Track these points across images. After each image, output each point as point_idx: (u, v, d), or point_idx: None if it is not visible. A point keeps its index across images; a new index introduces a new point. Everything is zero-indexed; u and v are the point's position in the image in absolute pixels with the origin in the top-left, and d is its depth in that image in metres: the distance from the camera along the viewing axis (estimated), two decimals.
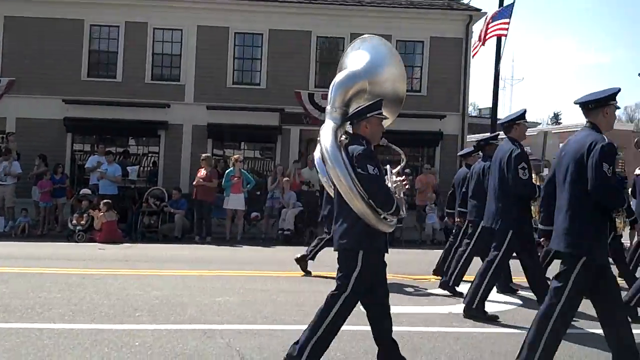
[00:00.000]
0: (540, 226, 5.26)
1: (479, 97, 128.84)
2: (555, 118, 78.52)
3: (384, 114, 4.74)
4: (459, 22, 20.83)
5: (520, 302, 7.87)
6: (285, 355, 4.50)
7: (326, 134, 4.63)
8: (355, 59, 5.06)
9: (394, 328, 4.79)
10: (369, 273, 4.51)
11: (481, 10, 20.71)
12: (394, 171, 4.83)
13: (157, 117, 20.16)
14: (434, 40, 20.83)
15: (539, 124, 68.59)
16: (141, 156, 21.07)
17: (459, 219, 8.88)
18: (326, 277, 9.37)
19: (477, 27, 19.68)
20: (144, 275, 9.20)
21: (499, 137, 9.00)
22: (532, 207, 5.82)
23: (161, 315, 6.56)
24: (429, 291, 8.47)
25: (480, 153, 8.73)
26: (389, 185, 4.62)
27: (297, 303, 7.37)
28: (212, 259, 11.55)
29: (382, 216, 4.42)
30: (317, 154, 8.91)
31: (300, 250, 10.13)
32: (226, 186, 15.04)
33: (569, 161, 4.63)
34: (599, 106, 4.70)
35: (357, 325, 5.20)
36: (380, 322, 4.71)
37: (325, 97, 19.89)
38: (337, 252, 4.61)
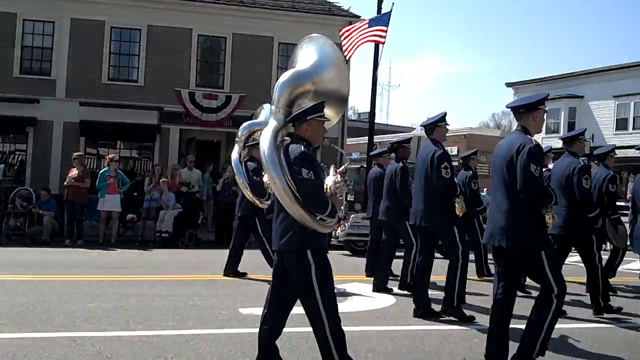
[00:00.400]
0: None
1: (358, 101, 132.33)
2: None
3: (327, 114, 4.70)
4: (339, 27, 21.24)
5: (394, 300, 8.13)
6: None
7: (266, 135, 4.55)
8: (302, 58, 4.96)
9: (287, 329, 4.81)
10: (324, 270, 4.43)
11: (360, 16, 21.31)
12: (337, 171, 4.75)
13: (25, 113, 19.05)
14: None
15: (414, 129, 71.58)
16: (7, 154, 19.83)
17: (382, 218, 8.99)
18: (210, 280, 9.25)
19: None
20: (8, 281, 8.63)
21: (411, 140, 9.40)
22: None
23: (26, 322, 6.17)
24: None
25: (393, 154, 9.07)
26: (330, 185, 4.56)
27: (173, 307, 7.19)
28: (83, 263, 11.04)
29: (318, 218, 4.36)
30: (234, 155, 9.08)
31: (179, 253, 9.90)
32: (101, 187, 14.42)
33: (502, 163, 4.90)
34: (529, 110, 4.99)
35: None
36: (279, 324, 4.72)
37: (206, 96, 19.90)
38: (277, 253, 4.58)
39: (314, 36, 5.08)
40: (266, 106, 10.35)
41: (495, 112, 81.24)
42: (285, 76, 4.79)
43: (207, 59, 21.04)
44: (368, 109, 17.91)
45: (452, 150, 45.89)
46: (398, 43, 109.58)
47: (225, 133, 21.24)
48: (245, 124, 9.04)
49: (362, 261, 11.85)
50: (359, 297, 8.10)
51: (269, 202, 8.90)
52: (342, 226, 13.26)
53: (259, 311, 6.96)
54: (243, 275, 9.60)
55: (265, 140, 4.50)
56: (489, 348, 4.92)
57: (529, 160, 4.69)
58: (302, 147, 4.44)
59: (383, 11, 16.74)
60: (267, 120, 8.23)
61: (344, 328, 5.74)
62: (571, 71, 39.59)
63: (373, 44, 16.28)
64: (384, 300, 7.97)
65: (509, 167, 4.82)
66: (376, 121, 24.07)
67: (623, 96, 35.37)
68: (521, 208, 4.80)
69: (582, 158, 7.33)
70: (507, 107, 5.14)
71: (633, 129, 34.93)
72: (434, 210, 6.85)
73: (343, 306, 7.39)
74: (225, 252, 9.88)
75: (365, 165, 17.46)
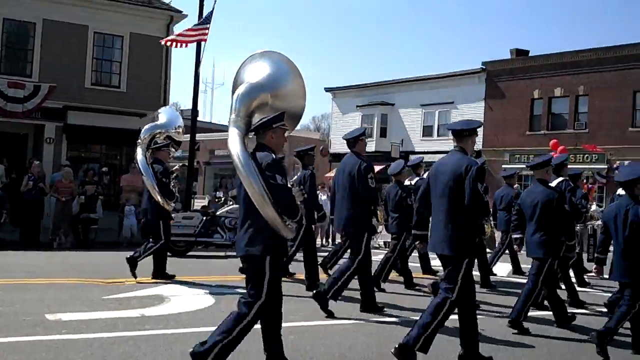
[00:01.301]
0: (415, 231, 6.09)
1: (182, 98, 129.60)
2: None
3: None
4: (160, 21, 20.68)
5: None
6: (190, 351, 4.50)
7: (234, 142, 4.68)
8: (256, 71, 5.13)
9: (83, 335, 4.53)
10: (277, 277, 4.69)
11: (182, 12, 20.90)
12: (292, 180, 4.74)
13: None
14: (134, 36, 20.34)
15: None
16: None
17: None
18: (15, 284, 8.50)
19: (178, 28, 19.75)
20: None
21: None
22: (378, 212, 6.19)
23: None
24: (123, 295, 8.14)
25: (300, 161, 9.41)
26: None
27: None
28: None
29: (287, 223, 4.56)
30: (140, 156, 9.26)
31: None
32: None
33: (448, 179, 5.43)
34: (470, 134, 5.72)
35: None
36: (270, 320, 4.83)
37: (12, 85, 18.25)
38: (242, 259, 4.77)
39: (267, 51, 5.30)
40: (163, 109, 10.66)
41: (315, 115, 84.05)
42: (243, 87, 4.98)
43: (14, 45, 19.35)
44: (190, 106, 17.54)
45: None
46: (223, 41, 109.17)
47: (33, 125, 19.66)
48: (147, 127, 9.63)
49: (182, 261, 11.66)
50: (177, 299, 7.92)
51: (175, 204, 9.07)
52: None
53: (67, 316, 6.61)
54: (172, 277, 9.32)
55: (236, 147, 4.64)
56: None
57: (477, 180, 5.31)
58: (272, 154, 4.69)
59: (205, 8, 16.57)
60: (169, 124, 9.10)
61: (161, 331, 5.57)
62: (384, 80, 42.07)
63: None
64: (203, 302, 7.86)
65: (456, 184, 5.37)
66: (199, 119, 23.77)
67: (429, 105, 38.30)
68: (463, 220, 5.37)
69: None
70: (448, 129, 5.67)
71: (437, 135, 37.95)
72: (356, 217, 7.35)
73: (160, 308, 7.24)
74: (32, 254, 9.16)
75: (187, 164, 17.09)
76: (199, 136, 24.59)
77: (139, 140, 9.54)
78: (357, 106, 41.71)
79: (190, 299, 7.94)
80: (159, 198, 8.99)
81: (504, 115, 35.01)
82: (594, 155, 30.95)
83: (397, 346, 5.16)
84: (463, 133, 5.72)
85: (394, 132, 38.98)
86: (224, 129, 52.83)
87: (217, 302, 7.82)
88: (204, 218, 13.11)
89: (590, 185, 22.25)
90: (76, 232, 14.60)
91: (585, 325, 7.23)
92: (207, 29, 15.21)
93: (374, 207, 7.60)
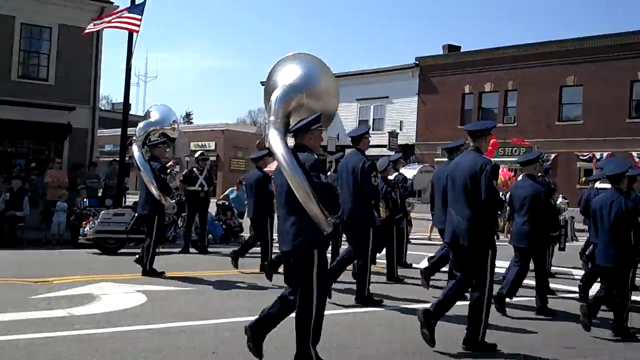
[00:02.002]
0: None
1: (114, 91, 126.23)
2: (187, 117, 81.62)
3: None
4: (90, 13, 20.02)
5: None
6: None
7: (277, 143, 4.97)
8: (288, 73, 5.36)
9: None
10: (324, 268, 4.95)
11: (113, 3, 20.36)
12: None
13: None
14: (63, 27, 19.70)
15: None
16: None
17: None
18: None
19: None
20: None
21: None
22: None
23: None
24: (52, 295, 7.90)
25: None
26: None
27: None
28: None
29: (328, 219, 4.85)
30: (136, 153, 9.48)
31: None
32: None
33: (465, 177, 5.83)
34: (483, 135, 6.05)
35: None
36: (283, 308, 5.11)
37: None
38: (286, 253, 5.00)
39: (299, 53, 5.57)
40: (155, 106, 10.73)
41: (251, 109, 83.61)
42: (280, 90, 5.23)
43: None
44: (122, 100, 17.12)
45: (210, 145, 46.33)
46: (156, 34, 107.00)
47: None
48: (141, 125, 9.83)
49: (114, 259, 11.43)
50: (108, 297, 7.76)
51: (173, 201, 9.31)
52: (90, 223, 12.56)
53: None
54: (161, 274, 9.38)
55: (280, 148, 4.93)
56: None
57: (492, 178, 5.73)
58: (314, 155, 4.96)
59: (137, 1, 16.18)
60: (162, 120, 9.64)
61: (92, 331, 5.47)
62: None
63: (127, 32, 15.64)
64: (134, 300, 7.73)
65: (472, 181, 5.78)
66: (132, 112, 23.26)
67: (364, 100, 38.72)
68: (480, 214, 5.76)
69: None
70: (465, 129, 6.12)
71: (372, 130, 38.35)
72: (359, 211, 7.64)
73: (91, 307, 7.09)
74: None
75: (118, 159, 16.70)
76: (131, 130, 24.09)
77: (134, 138, 9.80)
78: None
79: (121, 298, 7.79)
80: (157, 193, 9.19)
81: (437, 110, 35.80)
82: (522, 148, 32.01)
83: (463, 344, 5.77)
84: (477, 133, 6.12)
85: (331, 126, 39.16)
86: None
87: (149, 300, 7.71)
88: (136, 214, 12.83)
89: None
90: (1, 230, 14.07)
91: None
92: (140, 19, 14.87)
93: (376, 202, 7.99)
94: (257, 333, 4.99)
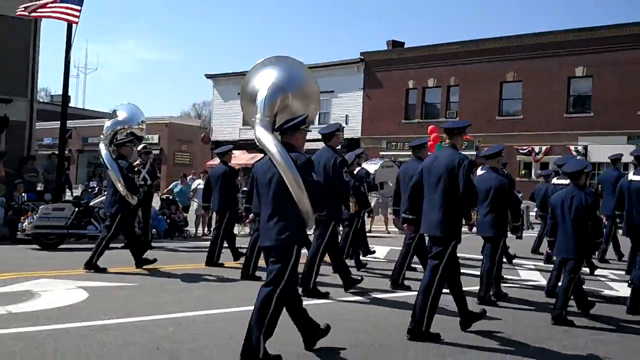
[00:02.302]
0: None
1: (52, 83, 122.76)
2: None
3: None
4: (26, 1, 19.40)
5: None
6: (241, 353, 4.85)
7: (269, 140, 5.13)
8: (273, 75, 5.54)
9: None
10: (298, 264, 5.10)
11: None
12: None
13: None
14: None
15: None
16: None
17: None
18: None
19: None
20: None
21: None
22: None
23: None
24: None
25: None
26: None
27: None
28: None
29: (315, 215, 5.08)
30: (104, 151, 9.55)
31: None
32: None
33: (442, 171, 6.11)
34: (459, 133, 6.44)
35: None
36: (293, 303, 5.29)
37: None
38: (264, 248, 5.15)
39: (283, 56, 5.78)
40: (123, 105, 10.67)
41: (196, 102, 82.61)
42: (269, 89, 5.41)
43: None
44: (61, 92, 16.66)
45: (153, 138, 45.51)
46: (96, 25, 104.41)
47: None
48: (109, 123, 9.96)
49: (54, 255, 11.15)
50: (47, 294, 7.57)
51: (138, 198, 9.57)
52: (29, 218, 12.21)
53: None
54: (104, 270, 9.36)
55: (273, 145, 5.08)
56: (416, 311, 5.94)
57: (469, 172, 6.06)
58: (305, 155, 5.18)
59: None
60: (130, 119, 9.91)
61: (31, 328, 5.34)
62: None
63: (66, 23, 15.21)
64: (75, 296, 7.56)
65: (449, 175, 6.06)
66: (71, 105, 22.66)
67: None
68: (454, 207, 6.07)
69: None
70: (443, 127, 6.52)
71: (319, 123, 38.43)
72: (331, 207, 7.68)
73: (30, 304, 6.91)
74: None
75: (57, 152, 16.24)
76: (70, 123, 23.50)
77: (102, 136, 9.88)
78: (238, 93, 41.36)
79: (62, 294, 7.61)
80: (124, 192, 9.33)
81: (381, 105, 36.18)
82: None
83: (408, 334, 5.89)
84: (453, 131, 6.46)
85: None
86: (97, 115, 50.65)
87: (90, 296, 7.55)
88: (76, 209, 12.54)
89: None
90: None
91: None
92: (79, 10, 14.48)
93: (347, 197, 8.36)
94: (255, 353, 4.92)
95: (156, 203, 13.89)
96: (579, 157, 10.39)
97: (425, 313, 5.89)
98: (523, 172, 31.43)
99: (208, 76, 44.75)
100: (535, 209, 13.99)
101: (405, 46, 38.31)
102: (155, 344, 5.58)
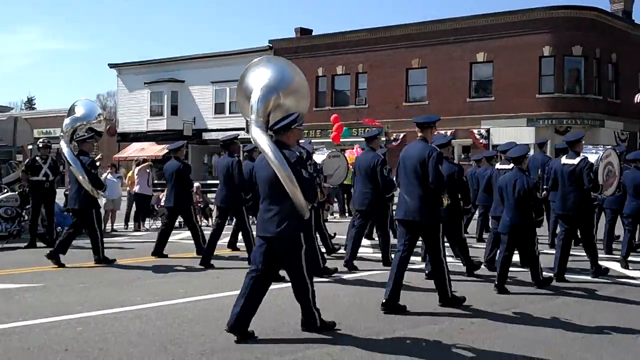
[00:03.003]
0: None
1: None
2: (29, 102, 76.36)
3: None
4: None
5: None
6: (303, 325, 5.67)
7: (263, 139, 5.57)
8: (265, 74, 5.95)
9: None
10: (310, 249, 5.73)
11: None
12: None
13: None
14: None
15: (12, 108, 65.56)
16: None
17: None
18: None
19: None
20: None
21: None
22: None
23: None
24: None
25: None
26: None
27: None
28: None
29: (309, 206, 5.57)
30: (65, 148, 9.59)
31: None
32: None
33: (415, 163, 6.68)
34: (429, 126, 6.88)
35: None
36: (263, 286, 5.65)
37: None
38: (268, 238, 5.52)
39: (273, 57, 6.07)
40: (80, 101, 10.60)
41: (100, 93, 79.71)
42: (262, 90, 5.82)
43: None
44: None
45: (56, 132, 43.51)
46: None
47: None
48: (68, 120, 9.96)
49: None
50: None
51: (105, 192, 9.74)
52: None
53: None
54: (112, 261, 9.69)
55: (266, 145, 5.51)
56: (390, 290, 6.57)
57: (438, 163, 6.59)
58: (296, 152, 5.63)
59: None
60: (89, 115, 10.07)
61: None
62: (173, 56, 41.14)
63: None
64: None
65: (421, 166, 6.63)
66: None
67: (220, 82, 38.27)
68: (429, 194, 6.64)
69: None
70: (414, 121, 7.03)
71: (230, 113, 38.13)
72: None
73: None
74: None
75: None
76: None
77: (61, 134, 9.93)
78: (145, 83, 40.41)
79: None
80: (89, 187, 9.45)
81: None
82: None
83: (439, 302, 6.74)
84: (424, 125, 6.91)
85: (186, 110, 38.45)
86: None
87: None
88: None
89: None
90: None
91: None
92: None
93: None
94: (243, 326, 5.43)
95: (60, 199, 13.32)
96: (522, 145, 10.98)
97: (446, 285, 6.82)
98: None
99: (111, 65, 43.29)
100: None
101: (314, 33, 38.49)
102: (64, 345, 5.40)
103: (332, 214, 19.20)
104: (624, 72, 32.21)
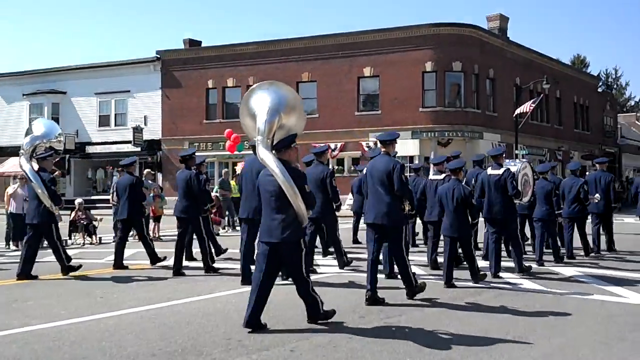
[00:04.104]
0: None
1: None
2: None
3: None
4: None
5: None
6: (308, 317, 6.50)
7: (270, 158, 6.35)
8: (267, 98, 6.68)
9: None
10: (306, 250, 6.54)
11: None
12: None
13: None
14: None
15: None
16: None
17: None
18: None
19: None
20: None
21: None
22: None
23: None
24: None
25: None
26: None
27: None
28: None
29: (308, 214, 6.45)
30: (26, 166, 10.15)
31: None
32: None
33: (382, 174, 7.73)
34: (391, 142, 8.00)
35: None
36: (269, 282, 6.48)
37: None
38: (272, 244, 6.32)
39: (273, 82, 7.05)
40: (38, 120, 11.39)
41: None
42: (267, 114, 6.54)
43: None
44: None
45: None
46: None
47: None
48: (28, 139, 10.51)
49: None
50: None
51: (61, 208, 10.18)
52: None
53: None
54: (35, 277, 9.84)
55: (273, 163, 6.31)
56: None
57: (401, 174, 7.70)
58: (298, 169, 6.64)
59: None
60: (49, 134, 10.77)
61: None
62: (54, 67, 39.36)
63: None
64: None
65: (388, 177, 7.68)
66: None
67: (104, 94, 37.00)
68: (394, 201, 7.69)
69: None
70: (378, 139, 8.18)
71: (115, 125, 36.92)
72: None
73: None
74: None
75: None
76: None
77: (22, 151, 10.40)
78: (24, 95, 38.36)
79: None
80: (49, 203, 9.86)
81: (182, 104, 35.63)
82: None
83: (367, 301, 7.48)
84: (387, 142, 8.00)
85: (68, 122, 36.72)
86: None
87: None
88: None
89: None
90: None
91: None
92: None
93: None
94: (256, 319, 6.26)
95: None
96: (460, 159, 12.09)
97: (411, 280, 7.78)
98: (338, 167, 32.74)
99: None
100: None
101: (203, 45, 38.11)
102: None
103: (223, 228, 18.99)
104: (500, 86, 34.24)
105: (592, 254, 12.18)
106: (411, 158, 28.93)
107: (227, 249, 11.81)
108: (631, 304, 7.60)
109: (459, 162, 9.47)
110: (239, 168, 17.00)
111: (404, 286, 7.84)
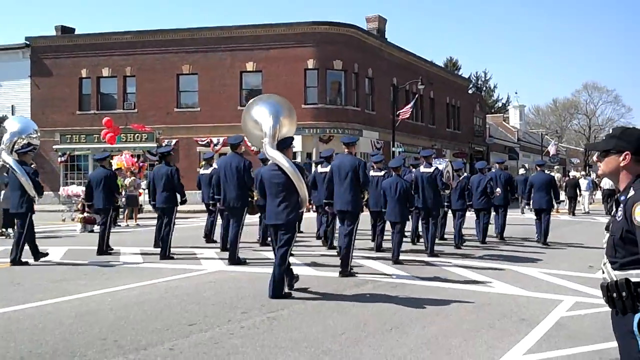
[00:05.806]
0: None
1: None
2: None
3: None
4: None
5: None
6: (272, 292, 7.62)
7: (281, 157, 7.78)
8: (268, 108, 8.38)
9: None
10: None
11: None
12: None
13: None
14: None
15: None
16: None
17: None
18: None
19: None
20: None
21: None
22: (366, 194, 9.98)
23: None
24: None
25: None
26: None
27: None
28: None
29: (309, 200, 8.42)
30: (9, 159, 10.87)
31: None
32: None
33: (348, 170, 9.48)
34: (352, 144, 10.03)
35: None
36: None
37: None
38: (274, 225, 7.79)
39: (272, 95, 9.24)
40: (13, 117, 12.97)
41: None
42: (272, 120, 8.16)
43: None
44: None
45: None
46: None
47: None
48: (8, 135, 11.35)
49: None
50: None
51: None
52: None
53: None
54: (25, 263, 10.52)
55: (283, 159, 7.75)
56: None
57: (365, 169, 9.62)
58: (296, 163, 8.13)
59: None
60: (26, 129, 11.89)
61: None
62: None
63: None
64: None
65: (354, 172, 9.45)
66: None
67: None
68: (357, 191, 9.49)
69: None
70: (342, 141, 10.22)
71: None
72: (242, 197, 10.85)
73: None
74: None
75: None
76: None
77: (2, 147, 11.16)
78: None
79: None
80: (34, 193, 10.71)
81: (53, 94, 33.75)
82: (143, 134, 32.31)
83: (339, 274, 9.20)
84: (349, 144, 10.00)
85: None
86: None
87: None
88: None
89: (141, 164, 23.21)
90: None
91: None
92: None
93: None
94: (281, 288, 7.64)
95: None
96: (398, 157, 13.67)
97: (349, 259, 9.28)
98: (202, 163, 32.25)
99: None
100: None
101: (77, 32, 36.29)
102: None
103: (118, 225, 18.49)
104: (379, 85, 35.29)
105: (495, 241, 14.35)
106: (294, 154, 29.10)
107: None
108: (499, 294, 8.08)
109: (399, 161, 11.85)
110: (115, 162, 16.37)
111: (339, 264, 9.34)
